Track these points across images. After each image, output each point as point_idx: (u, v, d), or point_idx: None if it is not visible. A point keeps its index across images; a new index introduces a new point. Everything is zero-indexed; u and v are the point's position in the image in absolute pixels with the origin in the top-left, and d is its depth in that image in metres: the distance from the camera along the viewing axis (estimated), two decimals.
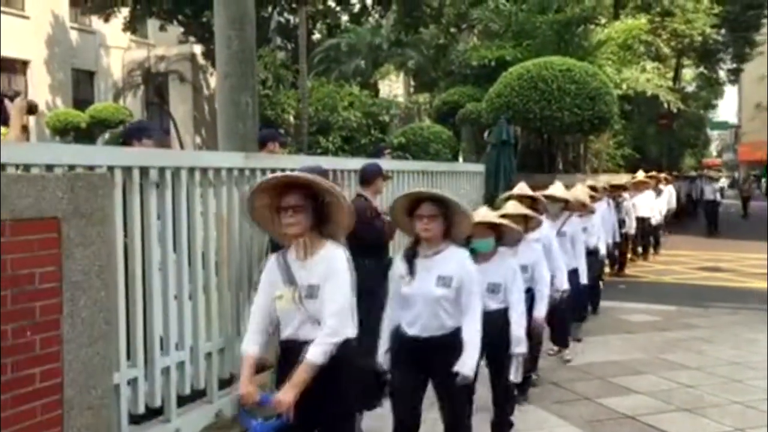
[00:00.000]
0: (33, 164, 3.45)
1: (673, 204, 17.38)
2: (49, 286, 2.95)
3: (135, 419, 4.15)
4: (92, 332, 3.17)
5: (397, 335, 3.88)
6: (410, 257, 3.84)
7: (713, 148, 68.36)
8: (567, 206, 6.90)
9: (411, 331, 3.80)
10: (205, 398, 4.75)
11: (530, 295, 5.15)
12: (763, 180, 44.45)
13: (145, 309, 4.21)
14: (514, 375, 4.61)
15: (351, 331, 3.20)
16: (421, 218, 3.74)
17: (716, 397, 5.88)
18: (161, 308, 4.34)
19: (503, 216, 4.90)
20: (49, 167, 3.50)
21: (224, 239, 4.98)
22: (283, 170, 5.63)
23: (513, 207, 5.36)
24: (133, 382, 4.11)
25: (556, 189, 6.98)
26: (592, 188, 8.71)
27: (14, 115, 2.82)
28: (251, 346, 3.28)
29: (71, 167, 3.63)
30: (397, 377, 3.92)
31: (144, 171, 4.20)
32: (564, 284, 5.99)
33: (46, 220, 2.94)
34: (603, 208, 9.09)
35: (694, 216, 23.65)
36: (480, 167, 11.12)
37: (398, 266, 3.90)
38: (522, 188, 6.15)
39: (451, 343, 3.74)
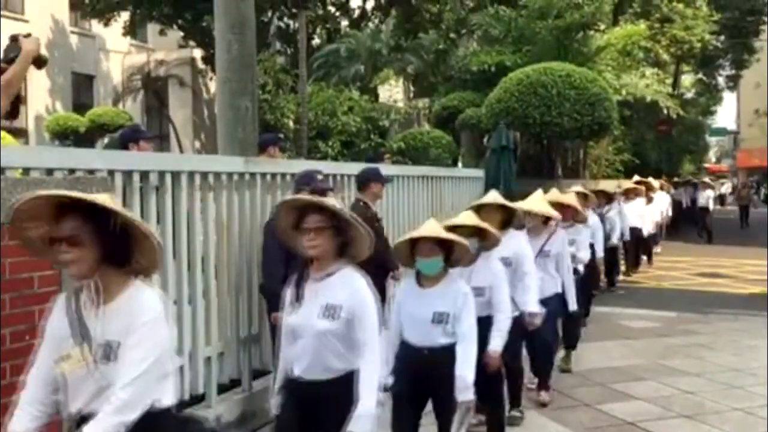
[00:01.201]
0: (33, 168, 3.44)
1: (668, 212, 16.90)
2: (48, 290, 2.94)
3: None
4: None
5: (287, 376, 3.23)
6: (299, 280, 3.16)
7: (712, 155, 68.42)
8: (550, 220, 5.91)
9: (295, 370, 3.13)
10: (204, 403, 4.73)
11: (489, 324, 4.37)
12: (763, 187, 44.42)
13: None
14: (456, 430, 3.90)
15: (164, 398, 2.35)
16: (306, 231, 3.04)
17: (717, 403, 5.87)
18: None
19: (453, 229, 4.11)
20: (50, 171, 3.49)
21: (224, 244, 4.97)
22: (283, 175, 5.65)
23: (466, 217, 4.52)
24: None
25: (534, 202, 5.87)
26: (580, 194, 7.71)
27: (22, 56, 2.74)
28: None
29: (71, 171, 3.62)
30: (279, 426, 3.33)
31: (144, 175, 4.19)
32: (529, 305, 5.05)
33: None
34: (595, 219, 8.27)
35: (692, 223, 22.55)
36: (479, 172, 11.12)
37: (285, 293, 3.24)
38: (495, 197, 5.06)
39: (340, 391, 3.01)
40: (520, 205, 5.59)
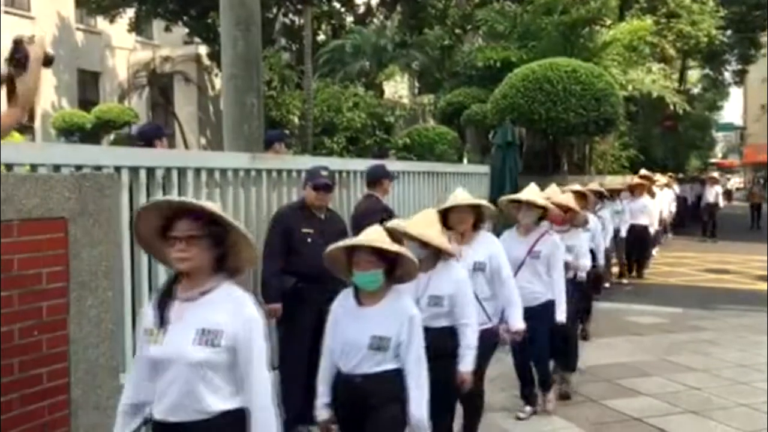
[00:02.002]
0: (40, 164, 3.45)
1: (672, 209, 16.51)
2: (56, 286, 2.95)
3: None
4: (99, 332, 3.17)
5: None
6: (162, 300, 2.53)
7: (718, 150, 68.17)
8: (545, 216, 5.37)
9: (156, 412, 2.50)
10: None
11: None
12: None
13: None
14: None
15: None
16: (175, 241, 2.44)
17: (723, 399, 5.86)
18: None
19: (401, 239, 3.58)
20: (57, 167, 3.50)
21: None
22: (289, 171, 5.65)
23: (418, 225, 3.87)
24: None
25: (531, 192, 5.33)
26: (578, 194, 6.94)
27: (33, 64, 2.70)
28: None
29: (78, 167, 3.63)
30: None
31: (150, 171, 4.20)
32: (517, 323, 4.57)
33: (54, 220, 2.94)
34: (595, 221, 7.59)
35: (697, 220, 21.41)
36: (485, 168, 11.10)
37: (146, 315, 2.60)
38: (464, 197, 4.61)
39: None
40: (517, 196, 5.33)
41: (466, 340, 3.89)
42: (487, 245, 4.52)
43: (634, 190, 12.09)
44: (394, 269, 3.28)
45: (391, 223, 3.86)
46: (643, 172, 14.10)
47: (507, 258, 4.60)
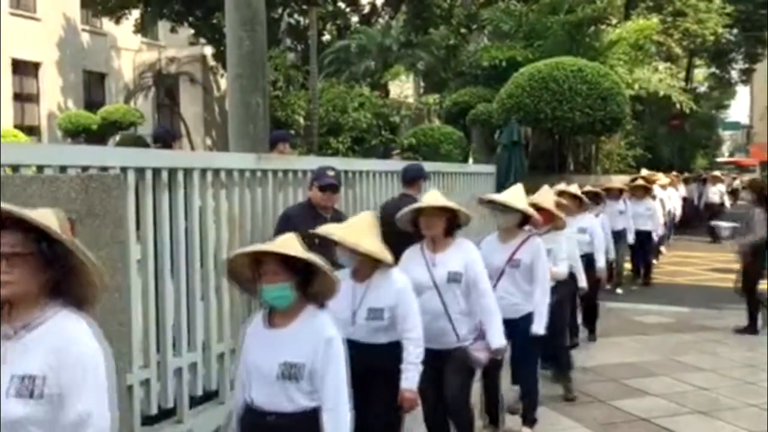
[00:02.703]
0: (47, 165, 3.45)
1: (677, 210, 15.70)
2: None
3: (147, 420, 4.15)
4: (106, 333, 3.14)
5: None
6: None
7: (725, 149, 67.98)
8: (527, 221, 4.84)
9: None
10: (218, 399, 4.74)
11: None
12: None
13: (158, 310, 4.21)
14: None
15: None
16: None
17: (731, 399, 5.84)
18: (173, 309, 4.34)
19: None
20: (63, 168, 3.50)
21: (236, 240, 4.98)
22: (294, 172, 5.65)
23: (351, 231, 3.55)
24: (145, 383, 4.11)
25: (513, 197, 4.84)
26: (571, 196, 6.68)
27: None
28: None
29: (84, 168, 3.63)
30: None
31: (157, 172, 4.20)
32: (497, 339, 4.10)
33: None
34: (593, 223, 7.27)
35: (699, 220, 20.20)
36: (491, 168, 11.09)
37: None
38: (436, 197, 4.20)
39: None
40: (492, 196, 4.94)
41: (410, 357, 3.54)
42: (462, 253, 4.11)
43: (634, 193, 11.11)
44: (308, 283, 2.76)
45: (321, 229, 3.63)
46: (644, 172, 13.90)
47: (486, 266, 4.23)
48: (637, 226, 10.68)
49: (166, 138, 6.50)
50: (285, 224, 4.90)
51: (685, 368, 6.75)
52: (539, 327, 4.70)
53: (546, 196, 5.52)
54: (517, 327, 4.55)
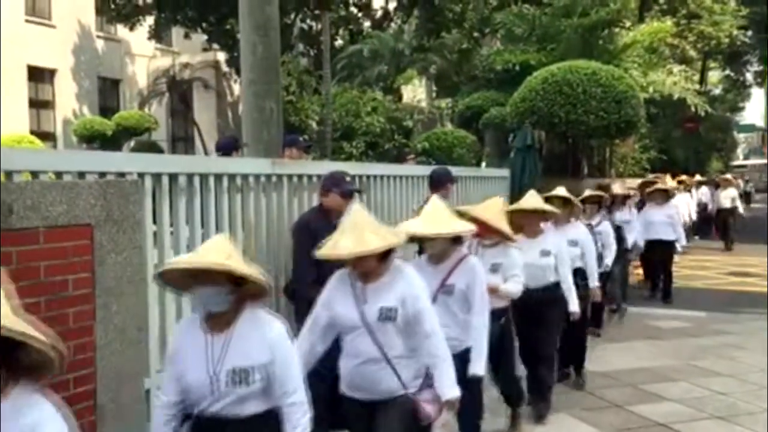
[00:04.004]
0: (65, 171, 3.47)
1: (692, 215, 15.09)
2: (82, 293, 2.96)
3: None
4: (124, 338, 3.18)
5: None
6: None
7: (740, 152, 67.45)
8: (458, 240, 4.16)
9: None
10: None
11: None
12: None
13: (175, 314, 4.22)
14: None
15: None
16: None
17: (749, 404, 5.78)
18: (190, 314, 4.35)
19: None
20: (81, 174, 3.52)
21: (251, 245, 4.99)
22: (309, 176, 5.66)
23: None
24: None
25: (431, 219, 4.01)
26: (561, 201, 6.01)
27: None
28: None
29: (102, 174, 3.65)
30: None
31: (173, 178, 4.22)
32: (447, 391, 3.35)
33: (79, 227, 2.96)
34: (583, 233, 6.28)
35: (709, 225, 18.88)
36: (505, 172, 11.07)
37: None
38: (355, 221, 3.36)
39: None
40: (413, 230, 3.91)
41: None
42: (399, 284, 3.34)
43: (652, 199, 10.26)
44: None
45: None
46: (650, 176, 13.44)
47: None
48: (657, 235, 9.84)
49: (227, 147, 6.76)
50: (306, 232, 4.79)
51: (702, 373, 6.70)
52: (477, 367, 3.97)
53: (488, 206, 4.81)
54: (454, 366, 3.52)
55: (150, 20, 24.50)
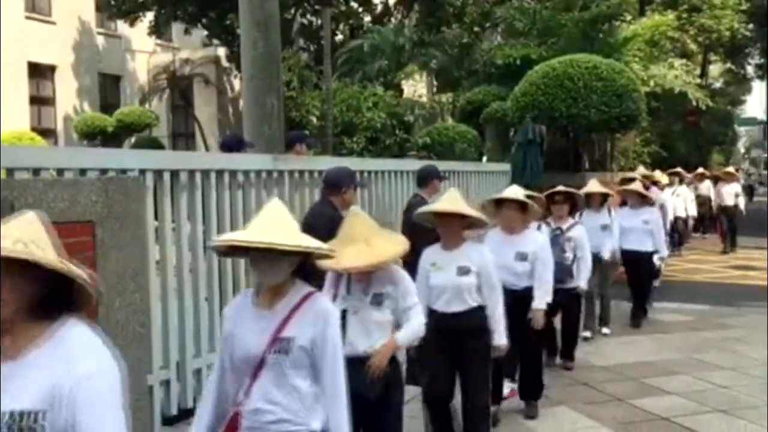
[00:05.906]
0: (67, 168, 3.47)
1: (690, 212, 14.33)
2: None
3: (168, 420, 4.17)
4: (127, 334, 3.18)
5: None
6: None
7: (741, 145, 67.36)
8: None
9: None
10: None
11: None
12: None
13: (178, 311, 4.22)
14: None
15: None
16: None
17: (753, 398, 5.77)
18: (192, 310, 4.35)
19: None
20: (83, 171, 3.52)
21: None
22: (310, 172, 5.65)
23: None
24: (165, 384, 4.13)
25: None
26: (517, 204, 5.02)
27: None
28: None
29: (104, 171, 3.65)
30: None
31: (174, 174, 4.22)
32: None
33: (81, 224, 2.96)
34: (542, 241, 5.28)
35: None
36: (506, 167, 11.07)
37: None
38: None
39: None
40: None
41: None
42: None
43: (627, 200, 8.59)
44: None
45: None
46: (641, 169, 12.58)
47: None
48: (628, 245, 8.03)
49: (232, 145, 6.24)
50: (328, 225, 4.54)
51: (705, 366, 6.69)
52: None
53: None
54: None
55: (150, 16, 24.45)
